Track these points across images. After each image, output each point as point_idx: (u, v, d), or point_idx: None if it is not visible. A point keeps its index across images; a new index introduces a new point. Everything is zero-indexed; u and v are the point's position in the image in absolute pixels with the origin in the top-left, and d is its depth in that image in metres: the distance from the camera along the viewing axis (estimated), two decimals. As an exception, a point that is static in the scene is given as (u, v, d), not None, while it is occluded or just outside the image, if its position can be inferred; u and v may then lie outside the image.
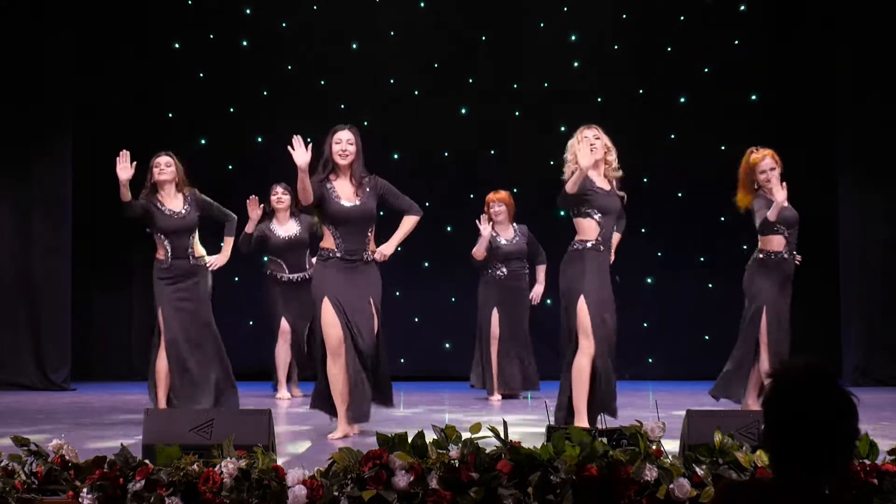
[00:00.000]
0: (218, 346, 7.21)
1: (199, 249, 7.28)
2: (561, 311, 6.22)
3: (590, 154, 6.06)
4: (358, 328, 6.13)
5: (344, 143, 6.33)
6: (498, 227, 8.95)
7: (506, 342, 8.92)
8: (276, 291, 9.07)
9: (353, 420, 6.13)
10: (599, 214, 6.15)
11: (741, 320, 7.20)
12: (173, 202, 7.21)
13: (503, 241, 8.95)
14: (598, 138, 6.25)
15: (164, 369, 7.14)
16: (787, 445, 2.27)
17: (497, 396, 8.84)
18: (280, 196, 9.03)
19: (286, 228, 9.03)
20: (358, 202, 6.26)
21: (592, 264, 6.13)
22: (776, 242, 7.04)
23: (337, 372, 6.10)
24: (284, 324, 9.02)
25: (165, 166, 7.24)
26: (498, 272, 8.94)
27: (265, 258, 9.35)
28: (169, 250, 7.16)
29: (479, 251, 8.85)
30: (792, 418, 2.26)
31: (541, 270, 9.11)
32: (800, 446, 2.25)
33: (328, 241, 6.29)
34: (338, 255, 6.23)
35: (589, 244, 6.16)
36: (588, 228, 6.18)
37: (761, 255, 7.10)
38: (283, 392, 9.02)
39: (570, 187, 6.08)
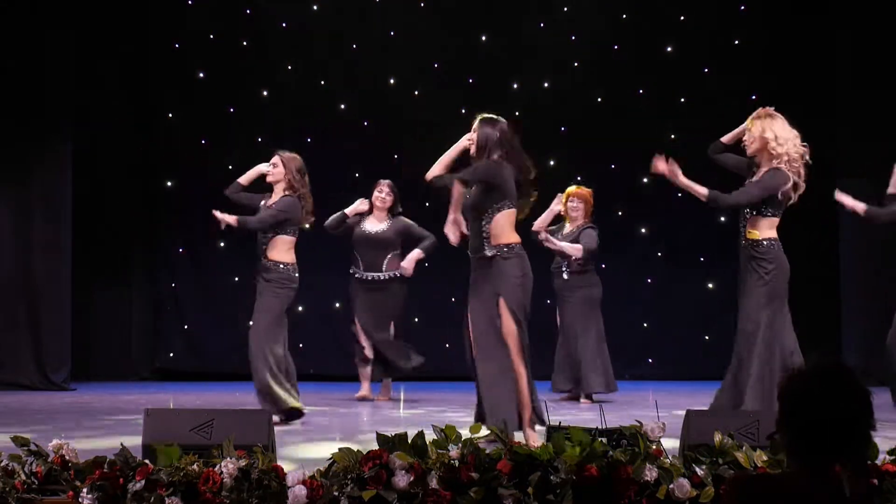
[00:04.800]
0: None
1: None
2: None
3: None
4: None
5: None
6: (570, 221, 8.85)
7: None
8: (351, 288, 8.84)
9: None
10: None
11: None
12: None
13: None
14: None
15: None
16: (802, 437, 2.30)
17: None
18: (384, 197, 8.80)
19: (374, 225, 8.77)
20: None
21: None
22: None
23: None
24: (357, 323, 8.80)
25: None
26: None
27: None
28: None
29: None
30: (808, 410, 2.30)
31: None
32: (815, 437, 2.28)
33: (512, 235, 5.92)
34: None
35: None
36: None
37: None
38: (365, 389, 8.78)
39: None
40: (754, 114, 6.54)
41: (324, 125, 10.87)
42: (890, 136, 10.14)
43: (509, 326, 5.72)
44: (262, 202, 7.09)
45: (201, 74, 11.10)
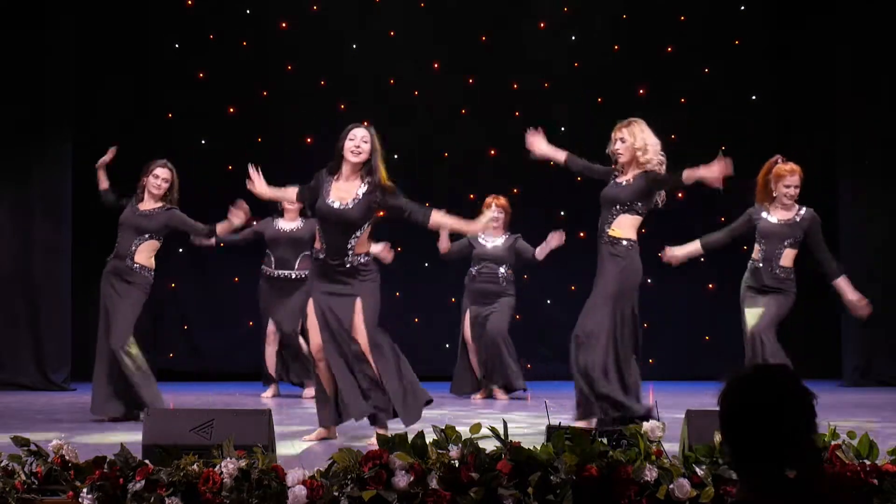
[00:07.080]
0: None
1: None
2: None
3: None
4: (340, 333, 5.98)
5: (358, 139, 6.02)
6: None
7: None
8: (261, 287, 9.08)
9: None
10: None
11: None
12: None
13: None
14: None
15: None
16: (746, 445, 2.25)
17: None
18: None
19: (288, 224, 8.96)
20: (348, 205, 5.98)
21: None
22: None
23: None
24: (270, 325, 8.99)
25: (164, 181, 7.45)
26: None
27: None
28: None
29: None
30: (741, 414, 2.25)
31: None
32: (754, 442, 2.23)
33: (316, 241, 6.16)
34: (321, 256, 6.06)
35: None
36: None
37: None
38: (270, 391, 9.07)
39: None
40: (622, 123, 6.62)
41: (324, 125, 10.86)
42: (890, 136, 10.15)
43: (359, 327, 5.94)
44: (129, 204, 7.54)
45: (201, 75, 11.10)
